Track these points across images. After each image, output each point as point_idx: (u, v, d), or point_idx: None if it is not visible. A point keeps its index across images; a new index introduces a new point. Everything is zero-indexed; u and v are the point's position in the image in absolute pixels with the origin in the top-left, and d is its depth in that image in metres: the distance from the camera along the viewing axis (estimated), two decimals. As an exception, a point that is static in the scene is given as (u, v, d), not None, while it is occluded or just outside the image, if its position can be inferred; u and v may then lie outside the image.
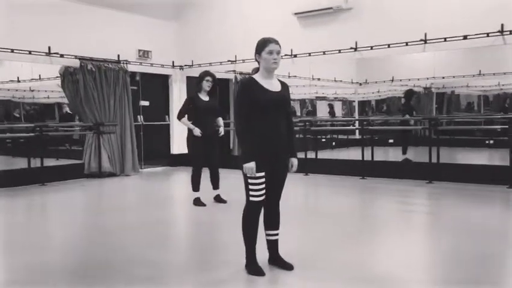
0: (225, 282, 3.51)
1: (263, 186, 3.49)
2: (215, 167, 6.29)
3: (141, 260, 3.99)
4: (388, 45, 8.02)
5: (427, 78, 10.66)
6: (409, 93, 9.93)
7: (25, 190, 7.86)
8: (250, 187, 3.50)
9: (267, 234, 3.71)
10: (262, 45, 3.58)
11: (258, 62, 3.59)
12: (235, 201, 6.20)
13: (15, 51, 8.06)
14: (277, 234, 3.71)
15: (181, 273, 3.75)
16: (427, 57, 9.10)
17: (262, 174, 3.46)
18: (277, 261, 3.70)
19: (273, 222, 3.69)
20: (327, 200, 7.04)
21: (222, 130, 6.25)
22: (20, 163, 8.77)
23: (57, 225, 5.56)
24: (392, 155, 9.79)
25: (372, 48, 8.20)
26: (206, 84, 6.11)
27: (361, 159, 8.56)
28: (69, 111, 10.59)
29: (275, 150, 3.52)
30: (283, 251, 3.73)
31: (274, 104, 3.51)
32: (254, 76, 3.60)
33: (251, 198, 3.52)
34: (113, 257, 4.14)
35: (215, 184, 6.33)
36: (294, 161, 3.68)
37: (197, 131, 5.99)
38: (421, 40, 7.72)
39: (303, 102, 13.48)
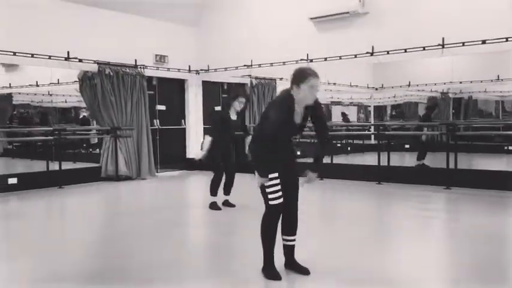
0: (242, 286, 3.52)
1: (279, 187, 3.51)
2: (232, 175, 6.41)
3: (158, 263, 4.02)
4: (405, 50, 7.96)
5: (444, 83, 10.57)
6: (433, 106, 9.87)
7: (43, 193, 7.97)
8: (268, 191, 3.51)
9: (284, 240, 3.71)
10: (303, 77, 3.46)
11: (292, 89, 3.50)
12: (246, 206, 6.23)
13: (35, 56, 8.20)
14: (294, 240, 3.71)
15: (198, 277, 3.77)
16: (445, 62, 9.04)
17: (276, 175, 3.49)
18: (293, 265, 3.70)
19: (290, 228, 3.70)
20: (343, 205, 7.00)
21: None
22: (38, 166, 8.91)
23: (75, 228, 5.62)
24: (409, 160, 9.70)
25: (388, 52, 8.15)
26: (238, 105, 6.20)
27: (377, 164, 8.50)
28: (86, 116, 10.76)
29: (284, 162, 3.59)
30: (300, 256, 3.73)
31: (290, 134, 3.63)
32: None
33: (270, 202, 3.53)
34: (130, 259, 4.17)
35: (227, 191, 6.42)
36: (309, 173, 3.66)
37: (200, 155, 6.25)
38: (439, 45, 7.65)
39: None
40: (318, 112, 3.62)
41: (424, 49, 7.80)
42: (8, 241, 5.03)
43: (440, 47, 7.66)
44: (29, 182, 8.17)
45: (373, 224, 5.72)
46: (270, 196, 3.52)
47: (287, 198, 3.58)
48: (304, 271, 3.65)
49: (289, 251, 3.72)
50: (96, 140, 10.98)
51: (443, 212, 6.43)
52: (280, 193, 3.52)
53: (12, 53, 7.95)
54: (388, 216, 6.14)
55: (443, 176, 7.69)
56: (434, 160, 9.18)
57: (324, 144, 3.77)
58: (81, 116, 10.89)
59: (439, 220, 5.88)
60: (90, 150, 11.28)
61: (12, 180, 7.99)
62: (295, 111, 3.51)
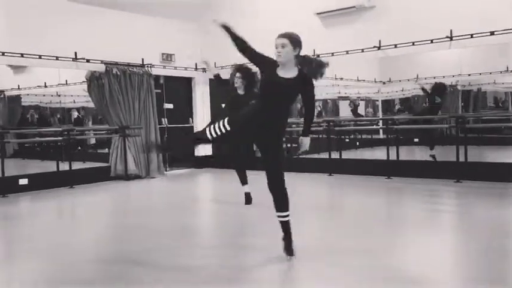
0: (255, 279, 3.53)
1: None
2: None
3: (169, 263, 4.03)
4: (413, 43, 7.92)
5: (453, 76, 10.48)
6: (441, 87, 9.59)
7: (54, 193, 8.04)
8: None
9: (277, 216, 3.88)
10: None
11: None
12: (260, 202, 6.22)
13: (43, 57, 8.25)
14: (285, 216, 3.84)
15: (209, 276, 3.78)
16: (453, 54, 8.96)
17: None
18: (283, 242, 3.84)
19: (278, 204, 3.85)
20: (352, 199, 6.98)
21: None
22: (48, 166, 8.98)
23: (86, 227, 5.66)
24: (418, 154, 9.64)
25: (396, 46, 8.10)
26: (236, 82, 6.16)
27: (386, 158, 8.47)
28: (80, 116, 10.85)
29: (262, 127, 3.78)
30: (308, 249, 3.72)
31: (275, 95, 3.74)
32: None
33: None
34: (141, 258, 4.19)
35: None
36: (302, 139, 3.87)
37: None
38: (447, 37, 7.59)
39: (325, 102, 13.43)
40: (306, 86, 3.74)
41: (431, 42, 7.75)
42: (19, 242, 5.07)
43: (448, 39, 7.61)
44: (40, 183, 8.24)
45: (382, 218, 5.70)
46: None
47: (268, 173, 3.85)
48: (288, 252, 3.77)
49: (282, 226, 3.85)
50: (94, 141, 11.07)
51: (453, 205, 6.39)
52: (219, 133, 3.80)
53: (19, 55, 8.01)
54: (398, 210, 6.11)
55: (453, 170, 7.65)
56: (444, 153, 9.12)
57: (309, 118, 3.89)
58: (74, 116, 10.94)
59: (449, 214, 5.85)
60: (90, 150, 11.35)
61: (23, 181, 8.06)
62: (278, 72, 3.76)
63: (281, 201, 3.86)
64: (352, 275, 3.54)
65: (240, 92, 6.18)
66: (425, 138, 9.55)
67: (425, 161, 8.87)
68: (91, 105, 10.11)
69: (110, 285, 3.56)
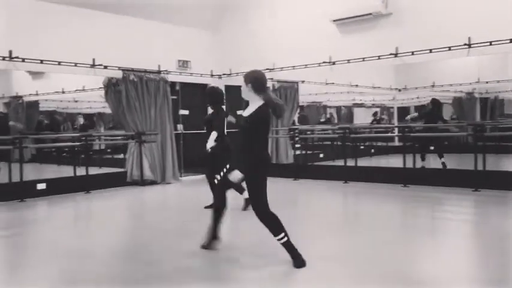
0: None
1: None
2: None
3: (185, 268, 4.04)
4: (430, 50, 7.86)
5: (470, 83, 10.40)
6: (436, 102, 9.79)
7: (71, 197, 8.11)
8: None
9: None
10: None
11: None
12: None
13: (62, 63, 8.36)
14: (280, 239, 3.91)
15: (226, 279, 3.78)
16: (470, 62, 8.89)
17: None
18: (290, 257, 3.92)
19: (270, 231, 3.97)
20: (368, 208, 6.92)
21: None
22: (65, 171, 9.07)
23: (102, 232, 5.69)
24: (434, 162, 9.56)
25: (413, 53, 8.05)
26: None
27: (402, 166, 8.39)
28: (85, 122, 10.98)
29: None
30: (323, 257, 3.68)
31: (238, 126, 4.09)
32: None
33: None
34: (155, 264, 4.20)
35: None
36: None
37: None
38: (465, 44, 7.52)
39: (339, 109, 13.40)
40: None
41: (449, 49, 7.68)
42: (36, 246, 5.12)
43: (467, 46, 7.53)
44: (57, 187, 8.32)
45: (398, 226, 5.64)
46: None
47: None
48: (296, 264, 3.84)
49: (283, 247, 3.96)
50: (103, 146, 11.13)
51: (470, 214, 6.31)
52: None
53: (39, 61, 8.13)
54: (415, 219, 6.04)
55: (471, 178, 7.55)
56: (461, 162, 9.03)
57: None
58: (81, 122, 11.04)
59: (467, 223, 5.77)
60: (106, 156, 11.42)
61: (41, 186, 8.15)
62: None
63: (268, 228, 3.90)
64: (366, 281, 3.51)
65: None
66: (436, 146, 9.47)
67: (442, 169, 8.79)
68: (107, 110, 10.21)
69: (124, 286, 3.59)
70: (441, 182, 7.92)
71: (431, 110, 9.70)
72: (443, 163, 9.01)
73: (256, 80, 3.88)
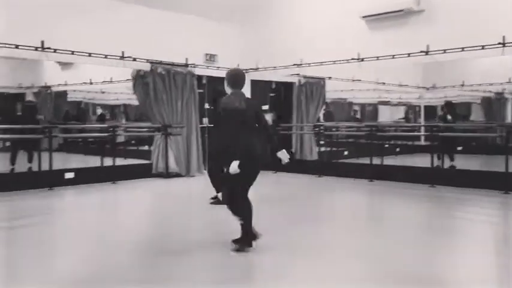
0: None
1: None
2: None
3: (207, 264, 4.06)
4: (462, 49, 7.70)
5: (501, 83, 10.18)
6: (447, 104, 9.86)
7: (98, 187, 8.23)
8: None
9: None
10: None
11: None
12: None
13: (92, 55, 8.46)
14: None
15: (245, 275, 3.79)
16: (503, 61, 8.68)
17: None
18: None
19: None
20: (392, 207, 6.84)
21: None
22: (92, 161, 9.20)
23: (126, 222, 5.76)
24: (463, 162, 9.41)
25: (444, 51, 7.90)
26: None
27: (428, 166, 8.27)
28: (103, 113, 11.09)
29: None
30: (351, 258, 3.66)
31: None
32: None
33: None
34: (182, 254, 4.24)
35: None
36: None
37: None
38: (499, 43, 7.35)
39: (364, 106, 13.27)
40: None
41: (483, 48, 7.51)
42: (63, 234, 5.21)
43: (501, 45, 7.36)
44: (85, 177, 8.45)
45: (421, 227, 5.55)
46: None
47: None
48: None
49: None
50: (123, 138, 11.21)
51: (499, 217, 6.19)
52: None
53: (70, 52, 8.24)
54: (438, 220, 5.93)
55: (501, 180, 7.39)
56: (491, 163, 8.85)
57: None
58: (99, 113, 11.16)
59: (494, 225, 5.66)
60: (139, 147, 11.54)
61: (69, 175, 8.29)
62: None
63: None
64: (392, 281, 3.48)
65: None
66: (446, 148, 9.25)
67: (472, 171, 8.63)
68: (133, 102, 10.32)
69: (146, 274, 3.62)
70: (470, 184, 7.76)
71: (444, 114, 9.61)
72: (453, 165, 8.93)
73: (229, 78, 4.32)
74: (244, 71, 4.67)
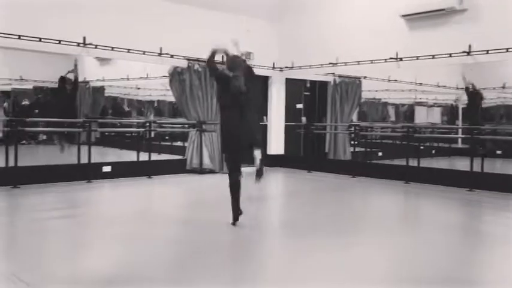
0: None
1: None
2: None
3: (237, 259, 4.07)
4: (507, 50, 7.48)
5: (544, 86, 9.81)
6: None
7: (134, 181, 8.38)
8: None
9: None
10: None
11: None
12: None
13: (131, 51, 8.60)
14: None
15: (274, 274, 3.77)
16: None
17: None
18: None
19: None
20: (431, 211, 6.71)
21: None
22: (127, 156, 9.36)
23: (159, 219, 5.81)
24: (502, 167, 9.13)
25: (487, 52, 7.69)
26: None
27: (467, 169, 8.06)
28: (127, 109, 11.19)
29: None
30: (387, 262, 3.59)
31: None
32: None
33: None
34: (216, 252, 4.26)
35: None
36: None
37: None
38: (546, 44, 7.11)
39: (397, 107, 13.03)
40: None
41: (528, 49, 7.28)
42: (98, 226, 5.31)
43: (548, 46, 7.11)
44: (121, 171, 8.62)
45: (464, 232, 5.42)
46: None
47: None
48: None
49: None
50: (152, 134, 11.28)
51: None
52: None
53: (110, 48, 8.40)
54: (474, 224, 5.78)
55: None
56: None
57: None
58: (127, 109, 11.27)
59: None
60: (174, 143, 11.67)
61: (107, 168, 8.48)
62: None
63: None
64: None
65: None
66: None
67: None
68: (168, 98, 10.43)
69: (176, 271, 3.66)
70: (510, 189, 7.53)
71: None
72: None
73: (227, 62, 5.37)
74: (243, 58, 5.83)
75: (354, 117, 11.54)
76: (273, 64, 10.87)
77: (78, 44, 8.02)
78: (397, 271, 3.85)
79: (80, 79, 10.83)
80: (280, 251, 4.49)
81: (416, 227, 5.61)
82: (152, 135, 11.39)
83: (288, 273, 3.75)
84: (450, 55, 8.14)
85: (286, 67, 10.83)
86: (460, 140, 11.01)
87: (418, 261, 4.09)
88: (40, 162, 8.31)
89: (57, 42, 7.79)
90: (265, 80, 11.14)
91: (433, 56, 8.34)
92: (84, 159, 8.19)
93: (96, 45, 8.20)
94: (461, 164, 8.92)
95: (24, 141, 10.03)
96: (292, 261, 4.09)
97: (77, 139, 8.84)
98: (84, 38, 8.07)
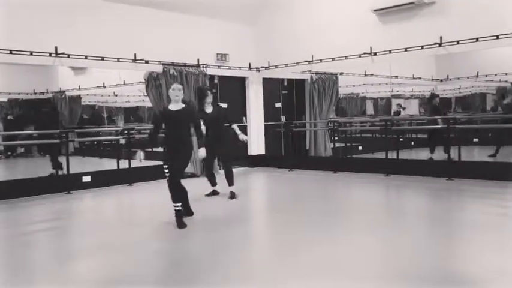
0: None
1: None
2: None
3: (230, 264, 4.07)
4: (477, 39, 7.61)
5: (516, 73, 10.02)
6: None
7: (115, 189, 8.31)
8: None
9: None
10: None
11: None
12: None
13: (105, 59, 8.52)
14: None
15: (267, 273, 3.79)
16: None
17: None
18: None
19: None
20: (412, 202, 6.80)
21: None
22: (107, 164, 9.27)
23: (143, 224, 5.79)
24: (479, 154, 9.30)
25: (458, 42, 7.82)
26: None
27: (446, 159, 8.20)
28: (105, 116, 11.10)
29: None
30: (370, 255, 3.63)
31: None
32: None
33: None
34: (197, 260, 4.25)
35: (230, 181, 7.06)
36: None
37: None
38: (514, 32, 7.25)
39: (375, 101, 13.17)
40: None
41: (497, 38, 7.41)
42: (82, 237, 5.26)
43: (516, 34, 7.26)
44: (102, 180, 8.54)
45: (445, 222, 5.49)
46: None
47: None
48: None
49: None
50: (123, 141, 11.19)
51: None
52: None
53: (84, 57, 8.31)
54: (462, 214, 5.88)
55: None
56: (508, 154, 8.75)
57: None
58: (105, 117, 11.18)
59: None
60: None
61: (86, 178, 8.38)
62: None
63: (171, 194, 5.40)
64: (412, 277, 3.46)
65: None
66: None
67: (489, 162, 8.54)
68: (147, 104, 10.36)
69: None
70: (488, 176, 7.67)
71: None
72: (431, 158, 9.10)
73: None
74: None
75: (333, 113, 11.64)
76: (249, 65, 10.88)
77: (50, 54, 7.91)
78: (382, 264, 3.89)
79: (55, 89, 10.71)
80: (266, 249, 4.50)
81: (397, 219, 5.67)
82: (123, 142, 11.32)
83: (272, 272, 3.76)
84: (422, 47, 8.25)
85: (263, 67, 10.85)
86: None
87: (400, 253, 4.15)
88: (17, 176, 8.19)
89: (29, 53, 7.67)
90: (242, 81, 11.14)
91: (406, 49, 8.44)
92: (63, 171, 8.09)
93: (69, 55, 8.10)
94: (440, 154, 9.08)
95: (1, 156, 9.91)
96: (278, 259, 4.10)
97: (55, 150, 8.72)
98: (56, 48, 7.96)
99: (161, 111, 5.72)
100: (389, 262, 3.93)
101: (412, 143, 11.77)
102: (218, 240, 4.76)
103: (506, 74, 10.18)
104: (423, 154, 10.52)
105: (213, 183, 7.40)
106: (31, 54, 7.68)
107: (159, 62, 9.25)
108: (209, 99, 7.07)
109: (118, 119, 11.58)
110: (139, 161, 5.54)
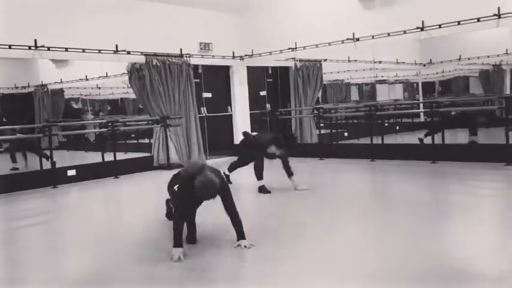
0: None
1: None
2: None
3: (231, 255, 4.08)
4: (458, 23, 7.65)
5: (498, 55, 10.10)
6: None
7: (101, 183, 8.26)
8: None
9: None
10: None
11: None
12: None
13: (86, 51, 8.40)
14: None
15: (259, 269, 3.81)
16: (499, 33, 8.62)
17: None
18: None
19: None
20: (397, 186, 6.86)
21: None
22: (92, 157, 9.20)
23: (131, 217, 5.78)
24: (462, 137, 9.41)
25: (440, 26, 7.85)
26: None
27: (431, 143, 8.28)
28: (75, 107, 11.00)
29: None
30: (352, 244, 3.67)
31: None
32: None
33: None
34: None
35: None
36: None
37: None
38: (495, 15, 7.30)
39: (361, 86, 13.22)
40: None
41: (478, 20, 7.46)
42: (70, 231, 5.24)
43: (496, 17, 7.31)
44: (87, 173, 8.47)
45: (431, 205, 5.57)
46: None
47: None
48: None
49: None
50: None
51: (503, 190, 6.20)
52: None
53: (64, 49, 8.18)
54: (447, 196, 5.96)
55: (502, 152, 7.40)
56: (491, 136, 8.86)
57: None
58: (89, 110, 11.09)
59: (499, 198, 5.68)
60: (140, 141, 11.52)
61: (72, 172, 8.31)
62: None
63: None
64: (395, 267, 3.51)
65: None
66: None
67: (472, 145, 8.64)
68: (131, 96, 10.27)
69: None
70: (470, 158, 7.78)
71: None
72: (472, 141, 8.86)
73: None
74: None
75: (319, 100, 11.66)
76: (233, 53, 10.81)
77: (30, 47, 7.77)
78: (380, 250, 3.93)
79: (37, 83, 10.56)
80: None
81: (382, 204, 5.73)
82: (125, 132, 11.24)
83: (268, 271, 3.79)
84: (405, 32, 8.28)
85: (247, 55, 10.80)
86: (422, 115, 11.29)
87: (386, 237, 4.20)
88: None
89: (8, 47, 7.53)
90: (226, 70, 11.09)
91: (389, 34, 8.46)
92: (47, 165, 8.01)
93: (49, 47, 7.97)
94: (424, 138, 9.15)
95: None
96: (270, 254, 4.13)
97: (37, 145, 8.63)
98: (36, 41, 7.83)
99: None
100: (391, 257, 3.97)
101: (397, 127, 11.85)
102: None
103: (488, 56, 10.28)
104: (408, 138, 10.63)
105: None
106: (10, 47, 7.54)
107: (142, 52, 9.15)
108: None
109: (101, 112, 11.45)
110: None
